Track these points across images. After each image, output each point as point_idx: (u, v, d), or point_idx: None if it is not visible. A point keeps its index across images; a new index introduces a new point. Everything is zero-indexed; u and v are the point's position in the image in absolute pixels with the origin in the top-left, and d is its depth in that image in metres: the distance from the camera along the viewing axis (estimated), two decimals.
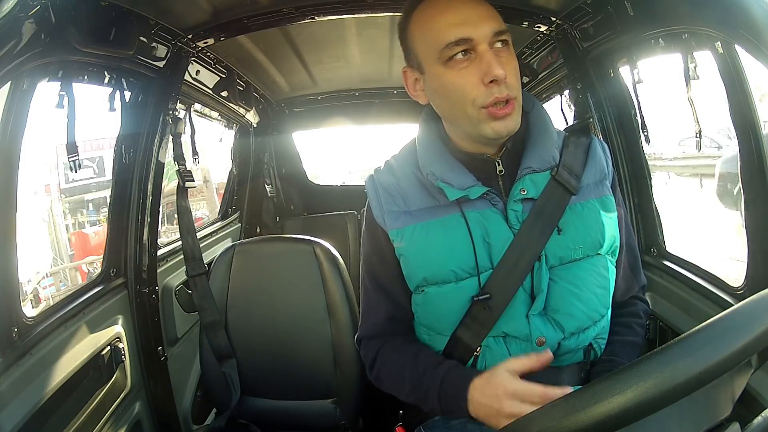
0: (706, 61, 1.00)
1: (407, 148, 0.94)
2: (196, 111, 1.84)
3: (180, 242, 1.57)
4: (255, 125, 2.55)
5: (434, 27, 0.79)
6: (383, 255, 0.90)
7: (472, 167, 0.85)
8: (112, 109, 1.30)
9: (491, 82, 0.77)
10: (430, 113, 0.92)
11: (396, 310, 0.92)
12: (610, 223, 0.88)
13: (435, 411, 0.86)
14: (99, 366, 1.22)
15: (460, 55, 0.78)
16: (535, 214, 0.83)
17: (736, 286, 1.04)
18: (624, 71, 1.35)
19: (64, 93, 1.10)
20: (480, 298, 0.81)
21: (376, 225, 0.90)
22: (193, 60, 1.53)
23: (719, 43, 0.92)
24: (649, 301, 1.02)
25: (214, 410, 1.68)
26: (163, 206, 1.71)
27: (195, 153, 1.71)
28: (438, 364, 0.85)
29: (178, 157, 1.55)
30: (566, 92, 1.64)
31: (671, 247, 1.35)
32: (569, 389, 0.67)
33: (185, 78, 1.52)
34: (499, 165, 0.86)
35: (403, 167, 0.91)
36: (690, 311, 1.16)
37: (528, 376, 0.86)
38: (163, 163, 1.46)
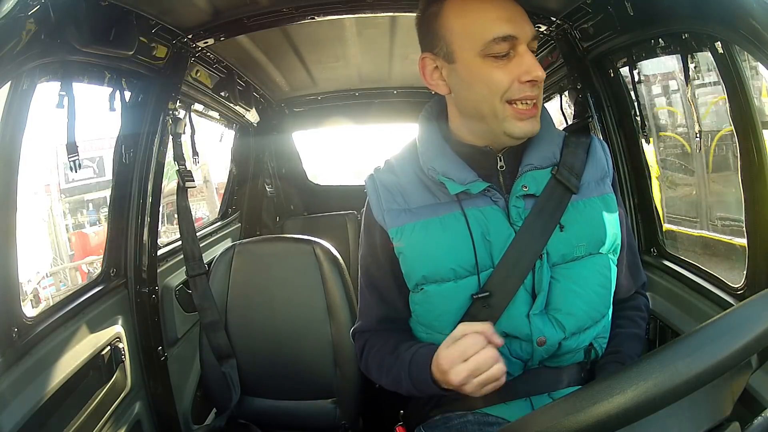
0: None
1: (407, 147, 0.94)
2: (196, 111, 1.84)
3: (180, 242, 1.57)
4: (255, 125, 2.54)
5: (480, 18, 0.79)
6: (377, 255, 0.91)
7: (474, 163, 0.85)
8: (112, 109, 1.30)
9: (528, 81, 0.78)
10: (429, 111, 0.93)
11: (389, 310, 0.93)
12: (612, 220, 0.88)
13: (411, 392, 0.86)
14: (99, 366, 1.22)
15: (503, 51, 0.78)
16: (536, 212, 0.83)
17: (736, 286, 1.03)
18: (624, 71, 1.35)
19: (64, 93, 1.10)
20: (480, 295, 0.81)
21: (374, 224, 0.90)
22: (193, 60, 1.52)
23: (719, 43, 0.91)
24: (649, 300, 1.02)
25: (214, 410, 1.68)
26: (163, 206, 1.70)
27: (195, 153, 1.70)
28: (411, 346, 0.86)
29: (178, 157, 1.55)
30: (566, 92, 1.64)
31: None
32: (488, 325, 0.73)
33: (185, 78, 1.52)
34: (500, 160, 0.86)
35: (404, 166, 0.91)
36: (690, 311, 1.16)
37: (528, 376, 0.87)
38: (163, 163, 1.46)
